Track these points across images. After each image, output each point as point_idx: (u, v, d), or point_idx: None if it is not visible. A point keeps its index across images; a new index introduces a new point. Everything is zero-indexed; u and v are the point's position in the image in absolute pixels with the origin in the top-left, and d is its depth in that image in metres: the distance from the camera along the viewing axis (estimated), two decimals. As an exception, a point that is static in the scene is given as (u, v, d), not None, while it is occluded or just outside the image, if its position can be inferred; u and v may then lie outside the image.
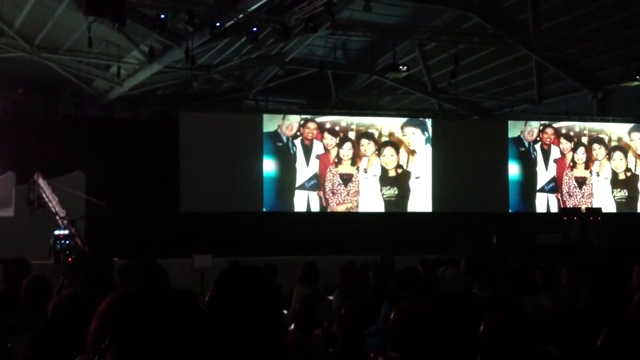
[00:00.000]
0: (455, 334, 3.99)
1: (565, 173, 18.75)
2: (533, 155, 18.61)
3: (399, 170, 18.01)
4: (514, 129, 18.63)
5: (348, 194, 17.72)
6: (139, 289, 1.20)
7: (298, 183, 17.46)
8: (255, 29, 13.51)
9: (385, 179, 17.89)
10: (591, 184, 18.85)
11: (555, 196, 18.65)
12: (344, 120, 17.93)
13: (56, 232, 12.27)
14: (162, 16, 12.79)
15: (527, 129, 18.60)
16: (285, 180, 17.43)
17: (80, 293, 3.41)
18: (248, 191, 17.00)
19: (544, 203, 18.67)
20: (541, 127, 18.64)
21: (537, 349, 3.26)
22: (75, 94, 17.10)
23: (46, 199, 12.97)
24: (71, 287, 4.13)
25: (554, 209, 18.43)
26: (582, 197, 18.68)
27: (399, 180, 17.99)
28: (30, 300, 4.59)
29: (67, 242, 12.20)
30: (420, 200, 18.01)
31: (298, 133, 17.53)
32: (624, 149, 19.02)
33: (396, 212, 17.81)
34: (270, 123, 17.48)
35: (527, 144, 18.61)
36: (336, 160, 17.70)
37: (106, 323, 1.13)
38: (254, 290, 2.15)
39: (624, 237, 15.42)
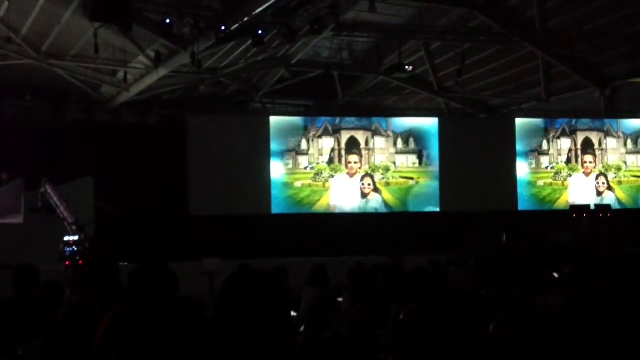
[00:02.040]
0: (465, 335, 3.97)
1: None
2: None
3: (407, 171, 18.01)
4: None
5: (355, 195, 17.73)
6: (143, 302, 1.20)
7: (305, 184, 17.48)
8: (260, 31, 13.51)
9: (393, 180, 17.89)
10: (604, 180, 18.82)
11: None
12: (349, 121, 17.96)
13: (66, 238, 12.31)
14: (168, 21, 12.82)
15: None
16: (293, 182, 17.46)
17: (88, 299, 3.42)
18: (256, 194, 17.02)
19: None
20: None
21: (548, 349, 3.24)
22: (83, 99, 17.16)
23: (54, 205, 13.01)
24: (80, 293, 4.14)
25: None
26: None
27: (407, 181, 17.98)
28: (41, 306, 4.60)
29: (77, 248, 12.23)
30: (428, 200, 17.99)
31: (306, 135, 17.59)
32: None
33: (404, 213, 17.79)
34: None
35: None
36: (342, 161, 17.72)
37: (113, 335, 1.13)
38: (262, 294, 2.15)
39: (635, 233, 15.33)
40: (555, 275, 6.82)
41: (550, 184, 18.64)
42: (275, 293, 2.16)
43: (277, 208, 17.32)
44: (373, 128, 17.99)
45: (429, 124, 18.37)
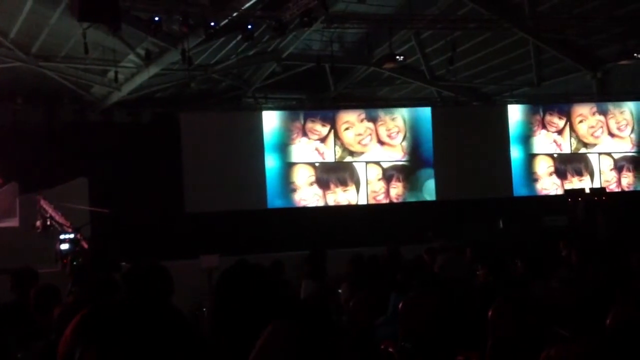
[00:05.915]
0: (465, 321, 3.98)
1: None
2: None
3: (402, 161, 18.01)
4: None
5: (352, 190, 17.72)
6: (101, 304, 1.22)
7: (300, 177, 17.47)
8: (250, 26, 13.47)
9: (388, 169, 17.89)
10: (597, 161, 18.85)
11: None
12: (338, 114, 17.95)
13: (61, 237, 12.30)
14: (156, 18, 12.76)
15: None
16: (288, 176, 17.44)
17: (84, 299, 3.41)
18: (251, 189, 17.01)
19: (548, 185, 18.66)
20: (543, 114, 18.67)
21: (547, 331, 3.25)
22: (75, 101, 17.10)
23: (48, 218, 12.97)
24: (77, 293, 4.14)
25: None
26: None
27: (401, 170, 17.99)
28: (39, 309, 4.60)
29: (74, 246, 12.21)
30: (424, 189, 17.99)
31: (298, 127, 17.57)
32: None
33: (401, 202, 17.80)
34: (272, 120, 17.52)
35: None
36: (337, 151, 17.71)
37: (78, 335, 1.15)
38: (257, 287, 2.15)
39: (631, 216, 15.37)
40: (552, 259, 6.84)
41: (546, 174, 18.64)
42: (270, 285, 2.16)
43: (272, 201, 17.31)
44: (363, 119, 17.95)
45: (421, 110, 18.37)
